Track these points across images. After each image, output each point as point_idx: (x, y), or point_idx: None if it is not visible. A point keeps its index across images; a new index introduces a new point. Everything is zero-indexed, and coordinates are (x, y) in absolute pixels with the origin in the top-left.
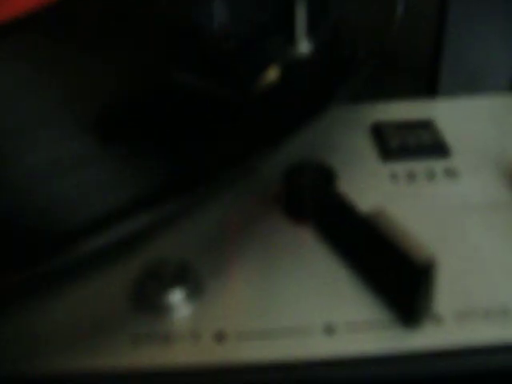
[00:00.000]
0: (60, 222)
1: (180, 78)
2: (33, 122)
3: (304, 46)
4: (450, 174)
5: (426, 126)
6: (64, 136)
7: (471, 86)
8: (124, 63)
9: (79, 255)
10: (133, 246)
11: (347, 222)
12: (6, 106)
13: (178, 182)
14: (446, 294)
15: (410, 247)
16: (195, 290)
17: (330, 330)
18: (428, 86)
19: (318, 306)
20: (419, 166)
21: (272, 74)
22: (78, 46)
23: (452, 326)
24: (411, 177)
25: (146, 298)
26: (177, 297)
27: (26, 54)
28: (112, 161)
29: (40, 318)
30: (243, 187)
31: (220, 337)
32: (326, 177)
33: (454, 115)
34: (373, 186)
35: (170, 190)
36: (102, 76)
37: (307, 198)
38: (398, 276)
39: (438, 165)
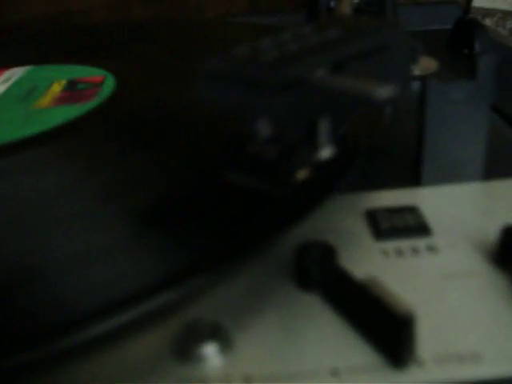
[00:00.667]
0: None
1: (230, 176)
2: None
3: (325, 152)
4: (432, 249)
5: (412, 210)
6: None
7: (450, 176)
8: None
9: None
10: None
11: (346, 288)
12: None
13: (207, 261)
14: (426, 342)
15: (395, 304)
16: (227, 345)
17: (335, 372)
18: (413, 176)
19: (325, 354)
20: (405, 243)
21: (302, 173)
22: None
23: (432, 367)
24: (399, 252)
25: (186, 352)
26: (210, 349)
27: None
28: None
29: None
30: (261, 263)
31: (247, 379)
32: (328, 254)
33: (435, 201)
34: (367, 260)
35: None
36: (154, 177)
37: (314, 271)
38: (386, 327)
39: (422, 242)
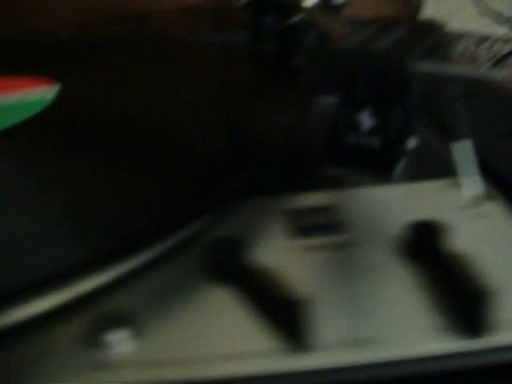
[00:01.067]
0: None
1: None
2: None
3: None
4: (348, 245)
5: (331, 209)
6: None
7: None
8: None
9: None
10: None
11: (252, 279)
12: None
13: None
14: (330, 327)
15: (290, 291)
16: (138, 332)
17: (228, 357)
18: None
19: (230, 340)
20: (325, 239)
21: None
22: None
23: (337, 350)
24: (307, 249)
25: (97, 339)
26: (120, 336)
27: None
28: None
29: None
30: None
31: (159, 364)
32: (240, 248)
33: (358, 201)
34: (286, 256)
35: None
36: None
37: (226, 264)
38: (283, 312)
39: (338, 239)
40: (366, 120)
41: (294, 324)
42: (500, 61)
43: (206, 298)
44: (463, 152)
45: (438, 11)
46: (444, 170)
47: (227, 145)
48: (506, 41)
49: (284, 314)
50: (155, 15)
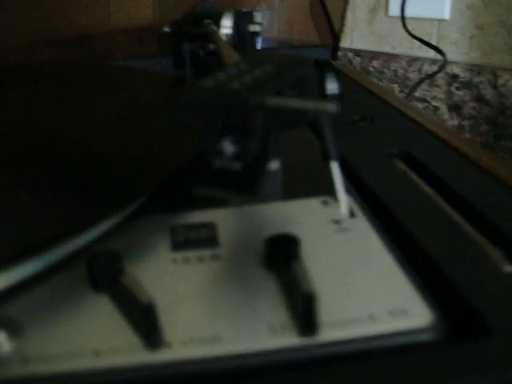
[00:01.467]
0: None
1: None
2: None
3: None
4: (215, 258)
5: (208, 226)
6: None
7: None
8: None
9: None
10: None
11: (119, 286)
12: None
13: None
14: (177, 328)
15: (142, 296)
16: (16, 333)
17: (97, 353)
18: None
19: (92, 338)
20: (194, 253)
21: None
22: None
23: (179, 348)
24: (186, 260)
25: None
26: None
27: None
28: None
29: None
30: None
31: (25, 360)
32: (114, 260)
33: (233, 219)
34: (157, 267)
35: None
36: None
37: (100, 275)
38: (137, 314)
39: (208, 252)
40: (228, 147)
41: (148, 325)
42: (427, 80)
43: (81, 305)
44: (333, 172)
45: (369, 34)
46: (315, 188)
47: (124, 164)
48: (434, 62)
49: (141, 317)
50: (101, 37)
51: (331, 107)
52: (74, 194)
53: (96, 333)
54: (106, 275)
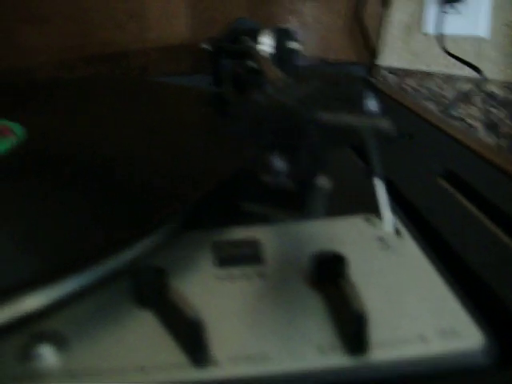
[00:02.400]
0: None
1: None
2: None
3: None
4: (261, 275)
5: (252, 243)
6: None
7: None
8: None
9: None
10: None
11: (165, 303)
12: None
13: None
14: (224, 345)
15: (189, 312)
16: (62, 347)
17: (142, 369)
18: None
19: (138, 355)
20: (239, 270)
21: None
22: None
23: (226, 366)
24: (231, 277)
25: (26, 353)
26: (45, 350)
27: None
28: None
29: None
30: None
31: (72, 374)
32: (159, 276)
33: (277, 236)
34: (202, 284)
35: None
36: None
37: (145, 291)
38: (184, 331)
39: (253, 269)
40: (280, 163)
41: (195, 342)
42: (463, 99)
43: (126, 320)
44: (378, 189)
45: (404, 52)
46: (359, 206)
47: (168, 180)
48: (469, 80)
49: (188, 334)
50: (136, 54)
51: (385, 125)
52: (119, 210)
53: (142, 349)
54: (152, 291)
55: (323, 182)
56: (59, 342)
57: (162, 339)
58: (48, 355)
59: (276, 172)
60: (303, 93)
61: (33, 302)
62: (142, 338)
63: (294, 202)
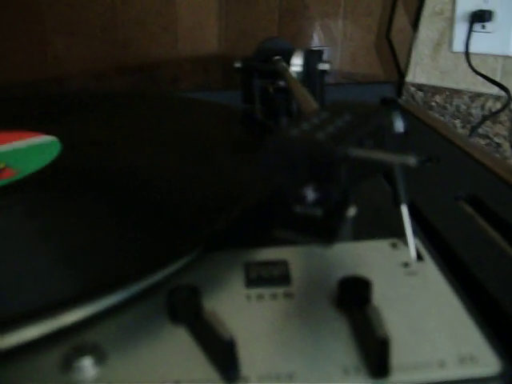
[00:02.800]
0: None
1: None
2: None
3: (352, 211)
4: (288, 295)
5: (280, 264)
6: None
7: None
8: None
9: None
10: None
11: (199, 321)
12: None
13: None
14: (253, 363)
15: (223, 331)
16: (102, 359)
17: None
18: None
19: (173, 370)
20: (267, 290)
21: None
22: None
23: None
24: (260, 297)
25: (68, 365)
26: (86, 362)
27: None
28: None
29: None
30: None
31: None
32: (193, 294)
33: (305, 257)
34: (232, 303)
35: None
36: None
37: (180, 308)
38: (217, 349)
39: (281, 290)
40: (310, 194)
41: (227, 359)
42: (491, 117)
43: (161, 336)
44: (403, 215)
45: (432, 69)
46: (385, 231)
47: (204, 199)
48: (497, 98)
49: (221, 352)
50: (168, 65)
51: (412, 161)
52: (156, 229)
53: (176, 364)
54: (186, 308)
55: (352, 212)
56: (99, 354)
57: (195, 355)
58: (88, 367)
59: (308, 203)
60: (336, 127)
61: (73, 316)
62: (176, 354)
63: (323, 231)
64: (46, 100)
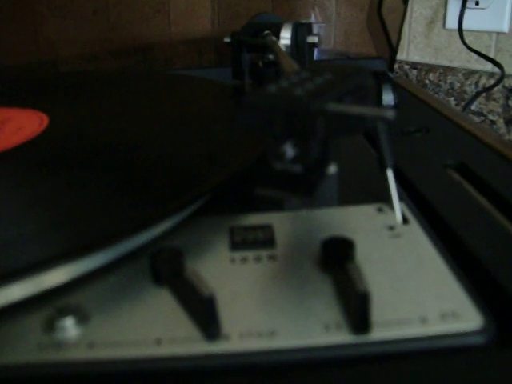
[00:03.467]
0: None
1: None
2: None
3: (333, 168)
4: (272, 258)
5: (266, 228)
6: None
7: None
8: None
9: None
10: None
11: (181, 280)
12: None
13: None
14: (235, 321)
15: (203, 288)
16: (83, 320)
17: (158, 342)
18: None
19: (154, 328)
20: (252, 253)
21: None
22: None
23: (236, 341)
24: (244, 260)
25: (50, 325)
26: (67, 322)
27: None
28: None
29: None
30: (125, 266)
31: (91, 345)
32: (176, 256)
33: (290, 222)
34: (216, 265)
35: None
36: None
37: (163, 270)
38: (198, 306)
39: (265, 253)
40: (289, 150)
41: (207, 316)
42: (485, 93)
43: (143, 297)
44: (389, 179)
45: (426, 47)
46: (369, 195)
47: (187, 166)
48: (491, 75)
49: (202, 309)
50: (161, 47)
51: (390, 114)
52: (140, 192)
53: (158, 323)
54: (169, 269)
55: (332, 169)
56: (81, 315)
57: (177, 315)
58: (70, 327)
59: (287, 160)
60: (315, 85)
61: (56, 277)
62: (158, 314)
63: (304, 186)
64: (37, 80)
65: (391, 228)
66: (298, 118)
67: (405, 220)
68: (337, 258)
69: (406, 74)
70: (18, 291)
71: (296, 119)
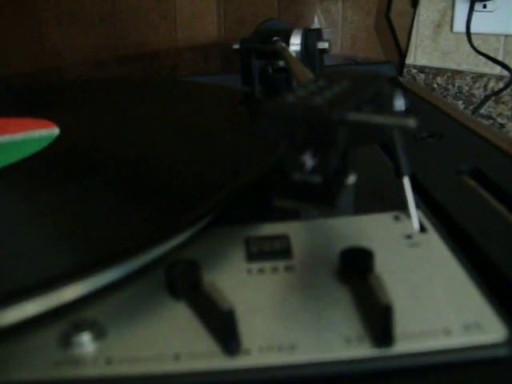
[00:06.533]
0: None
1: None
2: None
3: (352, 179)
4: (289, 269)
5: (282, 238)
6: None
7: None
8: None
9: None
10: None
11: (198, 294)
12: None
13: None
14: (255, 335)
15: (222, 302)
16: (100, 335)
17: (177, 357)
18: None
19: (173, 343)
20: (268, 264)
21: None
22: None
23: (257, 355)
24: (261, 271)
25: (66, 340)
26: (84, 338)
27: None
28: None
29: None
30: (142, 278)
31: (109, 361)
32: (192, 269)
33: (306, 232)
34: (233, 277)
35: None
36: None
37: (179, 283)
38: (217, 320)
39: (282, 263)
40: (309, 160)
41: (226, 330)
42: (493, 97)
43: (160, 311)
44: (405, 187)
45: (433, 50)
46: (386, 203)
47: (202, 177)
48: (499, 78)
49: (221, 323)
50: (168, 54)
51: (411, 123)
52: (155, 205)
53: (176, 338)
54: (186, 282)
55: (351, 179)
56: (98, 330)
57: (196, 329)
58: (87, 343)
59: (307, 170)
60: (333, 93)
61: (72, 292)
62: (175, 328)
63: (323, 197)
64: (45, 88)
65: (409, 237)
66: (319, 127)
67: (422, 228)
68: (356, 268)
69: (414, 78)
70: (32, 307)
71: (316, 129)
